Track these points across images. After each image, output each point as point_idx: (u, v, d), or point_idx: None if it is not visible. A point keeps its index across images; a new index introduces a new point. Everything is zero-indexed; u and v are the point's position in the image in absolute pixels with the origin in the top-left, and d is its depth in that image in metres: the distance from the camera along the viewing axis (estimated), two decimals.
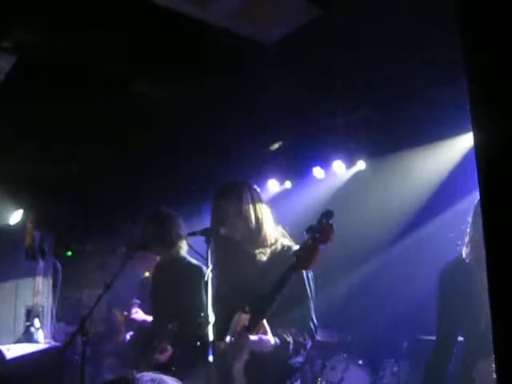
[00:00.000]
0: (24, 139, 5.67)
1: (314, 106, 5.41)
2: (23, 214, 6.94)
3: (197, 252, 3.72)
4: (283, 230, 2.96)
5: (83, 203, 7.42)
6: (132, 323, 4.69)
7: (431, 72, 4.42)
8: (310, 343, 2.70)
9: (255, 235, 2.83)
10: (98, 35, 4.06)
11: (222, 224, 2.80)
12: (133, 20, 3.87)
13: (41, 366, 4.34)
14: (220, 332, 2.54)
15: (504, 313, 1.03)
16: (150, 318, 4.42)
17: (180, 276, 3.79)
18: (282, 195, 6.69)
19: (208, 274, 2.55)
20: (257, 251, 2.82)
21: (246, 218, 2.82)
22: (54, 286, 4.83)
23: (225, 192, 2.93)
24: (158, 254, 3.99)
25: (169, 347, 3.54)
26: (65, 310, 6.52)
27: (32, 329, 4.54)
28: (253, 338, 2.47)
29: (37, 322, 4.58)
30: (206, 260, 2.62)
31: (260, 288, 2.67)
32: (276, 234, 2.90)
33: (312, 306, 2.75)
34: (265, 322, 2.51)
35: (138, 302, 4.72)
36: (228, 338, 2.64)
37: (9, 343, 4.46)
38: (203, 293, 2.58)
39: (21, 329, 4.63)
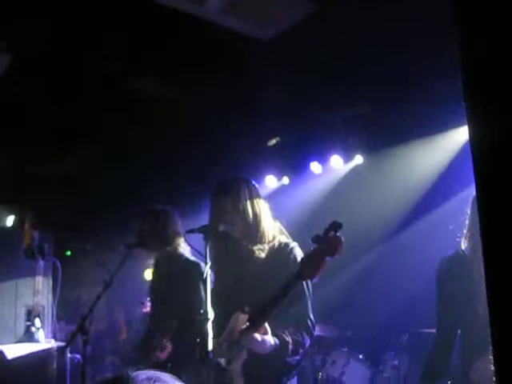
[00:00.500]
0: (22, 138, 5.67)
1: (311, 102, 5.41)
2: (22, 213, 6.94)
3: (196, 250, 3.72)
4: (281, 227, 2.96)
5: (82, 202, 7.42)
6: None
7: (428, 67, 4.42)
8: (308, 342, 2.70)
9: (253, 232, 2.83)
10: (96, 33, 4.05)
11: (221, 221, 2.80)
12: (130, 18, 3.86)
13: (42, 366, 4.34)
14: (217, 329, 2.54)
15: (502, 305, 1.03)
16: None
17: (178, 273, 3.79)
18: (280, 191, 6.69)
19: (206, 270, 2.55)
20: (255, 248, 2.81)
21: (244, 215, 2.81)
22: (54, 285, 4.83)
23: (223, 188, 2.92)
24: (156, 251, 3.99)
25: (169, 344, 3.54)
26: (65, 309, 6.53)
27: (33, 328, 4.54)
28: (256, 338, 2.47)
29: (37, 321, 4.58)
30: (205, 257, 2.61)
31: (258, 285, 2.67)
32: (274, 231, 2.89)
33: (310, 304, 2.74)
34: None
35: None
36: (225, 337, 2.64)
37: (10, 343, 4.46)
38: (202, 289, 2.58)
39: (21, 329, 4.63)
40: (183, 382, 1.32)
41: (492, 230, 1.05)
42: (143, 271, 7.47)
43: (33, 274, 4.74)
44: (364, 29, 4.03)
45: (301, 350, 2.68)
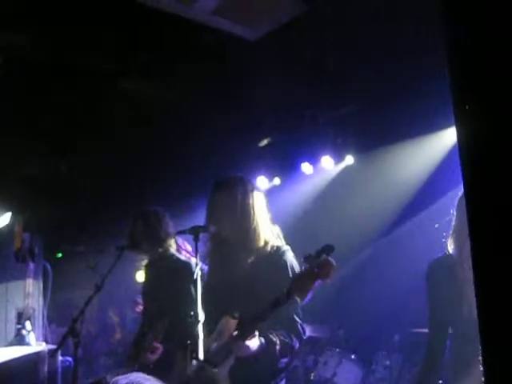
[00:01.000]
0: (11, 139, 5.64)
1: (301, 102, 5.42)
2: (12, 216, 6.90)
3: (188, 252, 3.71)
4: (279, 231, 2.93)
5: (72, 204, 7.39)
6: None
7: (417, 68, 4.44)
8: (297, 344, 2.68)
9: (246, 233, 2.80)
10: (84, 33, 4.04)
11: (213, 221, 2.79)
12: (118, 18, 3.86)
13: (33, 369, 4.32)
14: (206, 328, 2.53)
15: (489, 302, 1.04)
16: None
17: (169, 273, 3.78)
18: (271, 192, 6.69)
19: (197, 271, 2.54)
20: (246, 250, 2.80)
21: (237, 216, 2.79)
22: (45, 287, 4.81)
23: (217, 189, 2.90)
24: (147, 252, 3.98)
25: (160, 346, 3.53)
26: (56, 312, 6.50)
27: (23, 331, 4.52)
28: (246, 345, 2.45)
29: (28, 324, 4.55)
30: (195, 258, 2.61)
31: (246, 287, 2.66)
32: (268, 234, 2.86)
33: (299, 307, 2.72)
34: None
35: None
36: (213, 341, 2.64)
37: (0, 346, 4.44)
38: (193, 290, 2.57)
39: (12, 332, 4.60)
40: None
41: (480, 230, 1.05)
42: (135, 273, 7.45)
43: (23, 276, 4.72)
44: (352, 29, 4.04)
45: (289, 353, 2.66)
